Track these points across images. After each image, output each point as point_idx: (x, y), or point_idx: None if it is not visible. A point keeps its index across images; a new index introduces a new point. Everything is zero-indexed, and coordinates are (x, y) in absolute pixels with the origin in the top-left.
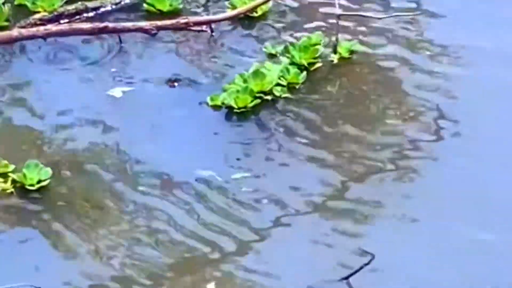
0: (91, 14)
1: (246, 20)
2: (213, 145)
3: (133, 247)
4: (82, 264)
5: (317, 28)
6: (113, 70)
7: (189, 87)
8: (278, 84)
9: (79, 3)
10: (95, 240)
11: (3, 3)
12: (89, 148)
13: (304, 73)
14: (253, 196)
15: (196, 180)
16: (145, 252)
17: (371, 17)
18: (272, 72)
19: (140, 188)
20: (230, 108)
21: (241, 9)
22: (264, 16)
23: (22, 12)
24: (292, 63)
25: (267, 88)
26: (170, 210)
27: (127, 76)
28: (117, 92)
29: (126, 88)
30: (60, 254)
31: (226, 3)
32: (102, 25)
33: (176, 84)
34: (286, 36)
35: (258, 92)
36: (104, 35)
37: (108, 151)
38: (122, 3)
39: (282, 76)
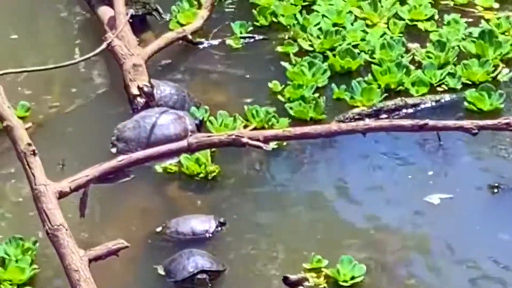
0: (410, 110)
1: None
2: None
3: None
4: None
5: None
6: (430, 173)
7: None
8: None
9: (399, 99)
10: None
11: (319, 96)
12: (401, 250)
13: None
14: None
15: None
16: None
17: None
18: None
19: None
20: None
21: None
22: None
23: (339, 106)
24: None
25: None
26: None
27: (446, 180)
28: (435, 198)
29: (444, 195)
30: None
31: None
32: (422, 122)
33: (496, 190)
34: None
35: None
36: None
37: (422, 256)
38: (442, 100)
39: None
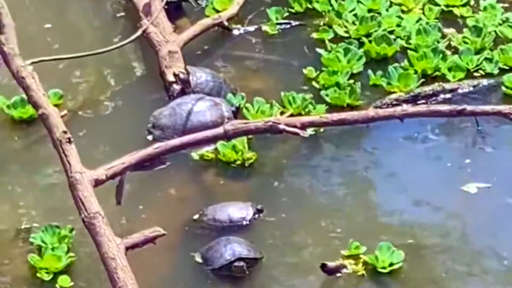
0: (448, 95)
1: None
2: None
3: None
4: None
5: None
6: (467, 161)
7: None
8: None
9: (436, 84)
10: None
11: (354, 83)
12: (439, 237)
13: None
14: None
15: None
16: None
17: None
18: None
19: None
20: None
21: None
22: None
23: (375, 92)
24: None
25: None
26: None
27: (483, 168)
28: (472, 187)
29: (481, 184)
30: None
31: None
32: (460, 107)
33: None
34: None
35: None
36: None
37: (459, 244)
38: (480, 85)
39: None
